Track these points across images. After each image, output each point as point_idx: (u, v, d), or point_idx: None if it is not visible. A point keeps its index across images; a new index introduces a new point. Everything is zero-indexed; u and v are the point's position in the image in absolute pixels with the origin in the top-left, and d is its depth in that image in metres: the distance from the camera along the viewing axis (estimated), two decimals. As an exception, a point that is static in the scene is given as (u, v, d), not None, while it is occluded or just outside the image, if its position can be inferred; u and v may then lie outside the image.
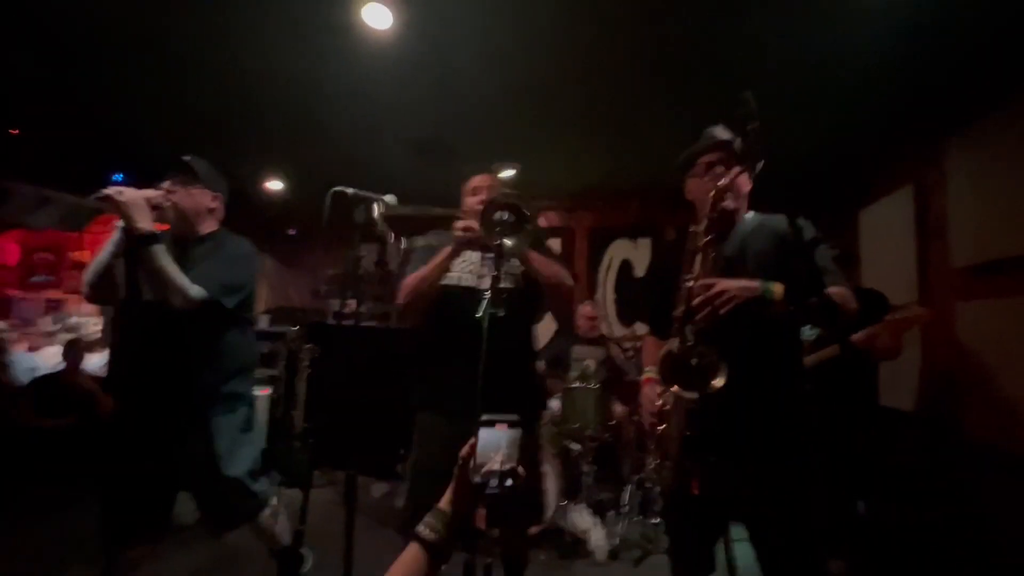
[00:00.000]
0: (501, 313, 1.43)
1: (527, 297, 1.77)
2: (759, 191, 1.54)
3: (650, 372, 1.56)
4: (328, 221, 1.50)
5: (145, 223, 1.58)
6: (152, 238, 1.58)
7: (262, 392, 4.24)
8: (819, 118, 3.14)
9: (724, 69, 2.59)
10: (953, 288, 2.91)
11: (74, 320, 5.04)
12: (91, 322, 5.12)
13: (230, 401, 1.85)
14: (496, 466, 0.80)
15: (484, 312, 1.43)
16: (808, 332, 2.63)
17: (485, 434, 0.84)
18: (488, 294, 1.37)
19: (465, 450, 0.83)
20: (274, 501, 2.00)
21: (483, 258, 1.82)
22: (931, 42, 2.32)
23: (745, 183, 1.50)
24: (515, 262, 1.72)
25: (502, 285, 1.35)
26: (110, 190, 1.57)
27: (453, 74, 2.75)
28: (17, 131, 3.65)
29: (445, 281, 1.73)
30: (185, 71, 2.77)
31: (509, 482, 0.80)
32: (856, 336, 2.37)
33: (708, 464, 1.18)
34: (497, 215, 1.35)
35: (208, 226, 1.88)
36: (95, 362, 4.54)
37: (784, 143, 3.37)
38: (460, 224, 1.63)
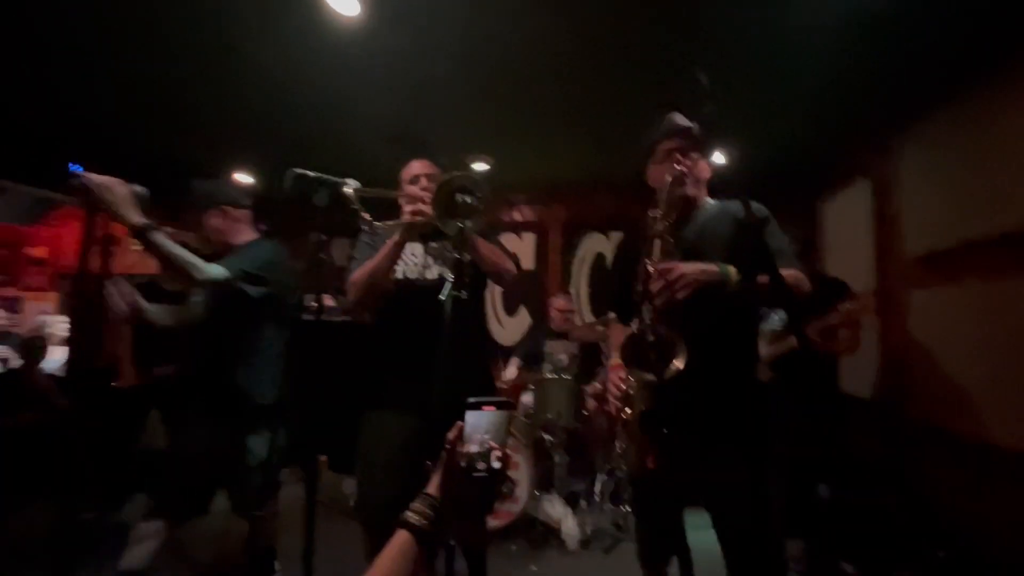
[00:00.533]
0: (464, 295, 1.44)
1: (475, 284, 1.78)
2: (722, 185, 1.57)
3: (616, 358, 1.58)
4: (288, 204, 1.48)
5: (134, 215, 1.56)
6: (149, 227, 1.58)
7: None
8: (782, 113, 3.23)
9: (692, 61, 2.63)
10: (907, 277, 3.03)
11: (42, 319, 4.87)
12: (57, 320, 4.96)
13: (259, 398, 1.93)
14: (481, 448, 0.80)
15: (447, 295, 1.44)
16: (775, 322, 2.71)
17: (472, 417, 0.83)
18: (450, 278, 1.38)
19: (452, 433, 0.82)
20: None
21: (426, 248, 1.83)
22: (884, 38, 2.41)
23: (704, 169, 1.53)
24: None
25: (449, 274, 1.35)
26: (92, 180, 1.51)
27: (423, 64, 2.73)
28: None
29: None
30: (145, 58, 2.68)
31: (496, 464, 0.80)
32: (813, 329, 2.44)
33: (662, 437, 1.20)
34: (456, 196, 1.34)
35: (243, 237, 2.03)
36: (55, 360, 4.38)
37: (748, 138, 3.47)
38: (409, 208, 1.62)
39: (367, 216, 1.67)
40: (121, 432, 3.12)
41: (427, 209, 1.58)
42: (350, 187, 1.66)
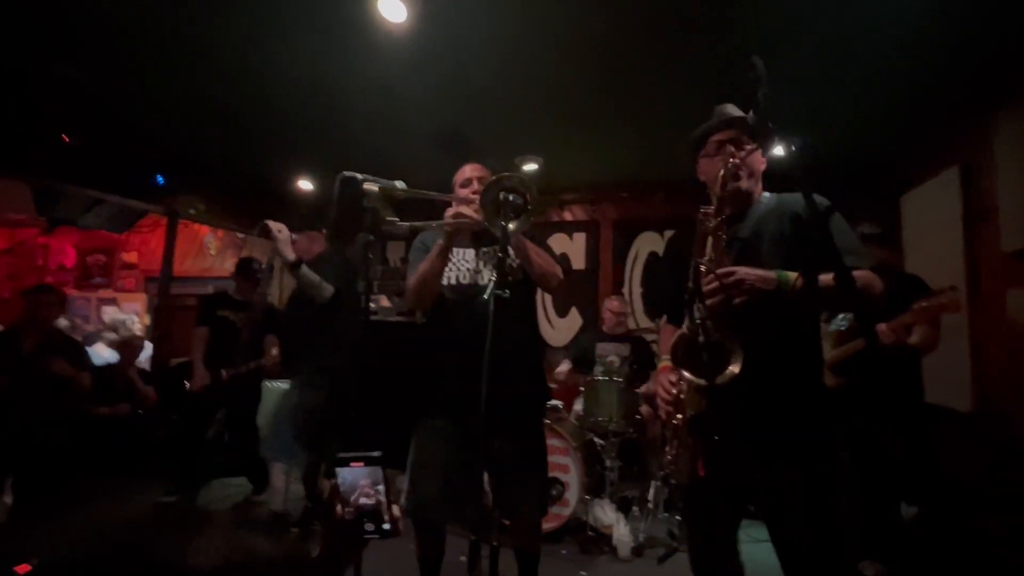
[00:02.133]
0: (507, 294, 1.42)
1: (526, 286, 1.75)
2: (783, 177, 1.47)
3: (666, 360, 1.52)
4: (338, 207, 1.52)
5: (291, 254, 2.36)
6: (298, 263, 2.39)
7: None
8: (854, 97, 2.97)
9: (754, 51, 2.49)
10: (1004, 274, 2.72)
11: (121, 317, 5.35)
12: (133, 319, 5.44)
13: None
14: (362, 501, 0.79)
15: (490, 293, 1.43)
16: (840, 322, 2.51)
17: (345, 473, 0.82)
18: (492, 277, 1.36)
19: (327, 493, 0.81)
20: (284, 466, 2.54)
21: (478, 253, 1.82)
22: (977, 2, 2.16)
23: (759, 161, 1.43)
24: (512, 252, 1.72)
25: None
26: (271, 227, 2.30)
27: (471, 66, 2.76)
28: (68, 138, 3.89)
29: (443, 281, 1.75)
30: (213, 74, 2.88)
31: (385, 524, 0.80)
32: (884, 328, 2.23)
33: (713, 444, 1.13)
34: (501, 196, 1.33)
35: (317, 249, 2.75)
36: (141, 356, 4.79)
37: (819, 125, 3.24)
38: (449, 211, 1.62)
39: (390, 216, 1.67)
40: (194, 425, 3.36)
41: (468, 211, 1.58)
42: (399, 187, 1.69)
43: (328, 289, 2.43)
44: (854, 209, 1.35)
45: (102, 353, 4.94)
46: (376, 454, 0.85)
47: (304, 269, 2.40)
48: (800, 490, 1.19)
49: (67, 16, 2.45)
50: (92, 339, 5.30)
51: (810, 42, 2.43)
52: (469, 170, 1.87)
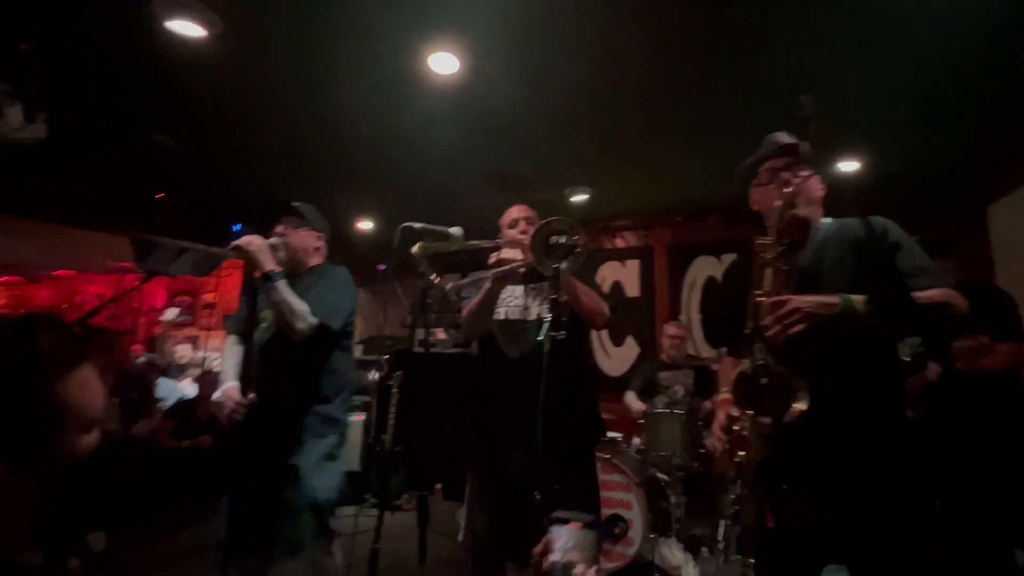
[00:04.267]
0: (562, 335, 1.44)
1: (575, 320, 1.73)
2: (848, 200, 1.41)
3: (725, 393, 1.47)
4: (398, 255, 1.61)
5: (269, 264, 1.83)
6: (276, 275, 1.81)
7: (357, 418, 4.54)
8: (929, 101, 2.78)
9: (805, 68, 2.44)
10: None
11: (200, 354, 5.80)
12: (211, 355, 5.86)
13: (323, 425, 1.95)
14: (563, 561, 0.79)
15: (545, 336, 1.45)
16: (902, 350, 2.30)
17: (558, 531, 0.83)
18: (547, 319, 1.39)
19: (539, 548, 0.81)
20: (336, 544, 2.00)
21: (527, 289, 1.85)
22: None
23: (817, 187, 1.38)
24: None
25: (549, 313, 1.36)
26: (241, 241, 1.82)
27: (520, 108, 2.86)
28: (163, 195, 4.34)
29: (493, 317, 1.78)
30: (283, 128, 3.16)
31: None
32: (960, 350, 2.02)
33: (781, 494, 1.06)
34: (552, 239, 1.37)
35: (314, 261, 2.11)
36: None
37: (891, 136, 3.06)
38: (493, 258, 1.66)
39: (432, 275, 1.72)
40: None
41: (515, 254, 1.62)
42: (454, 234, 1.77)
43: (308, 319, 1.83)
44: (933, 222, 1.26)
45: (185, 388, 5.36)
46: (590, 518, 0.85)
47: (282, 285, 1.80)
48: (887, 538, 1.10)
49: (155, 88, 2.78)
50: (175, 373, 5.75)
51: (881, 42, 2.31)
52: (516, 211, 1.92)
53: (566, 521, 0.81)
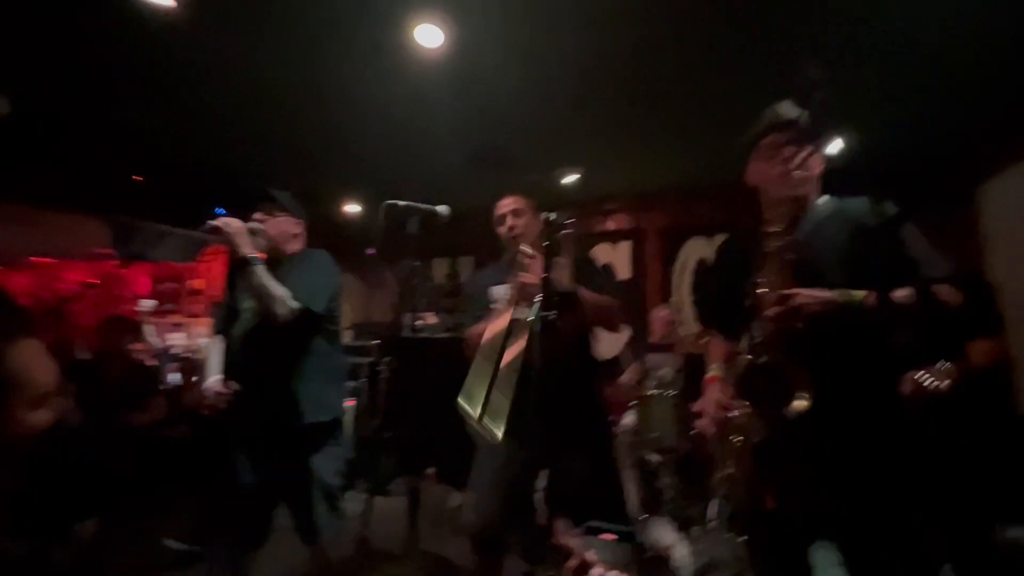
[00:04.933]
0: (553, 316, 1.40)
1: (573, 308, 1.68)
2: (842, 177, 1.37)
3: (715, 371, 1.44)
4: (383, 234, 1.55)
5: (247, 248, 1.78)
6: (254, 260, 1.77)
7: (347, 403, 4.50)
8: (916, 76, 2.73)
9: (801, 44, 2.37)
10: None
11: (187, 341, 5.71)
12: (197, 342, 5.78)
13: (323, 411, 1.94)
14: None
15: (535, 316, 1.41)
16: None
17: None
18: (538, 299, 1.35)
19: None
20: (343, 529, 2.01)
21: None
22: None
23: (816, 164, 1.34)
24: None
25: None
26: (218, 222, 1.77)
27: (507, 84, 2.78)
28: (140, 177, 4.21)
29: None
30: (262, 105, 3.05)
31: None
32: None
33: (783, 476, 1.04)
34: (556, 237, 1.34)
35: (293, 248, 2.06)
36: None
37: (882, 116, 3.02)
38: (517, 281, 1.63)
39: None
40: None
41: (532, 278, 1.57)
42: (440, 213, 1.71)
43: (288, 303, 1.78)
44: (919, 203, 1.22)
45: (171, 376, 5.27)
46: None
47: (260, 270, 1.75)
48: (878, 514, 1.09)
49: (129, 63, 2.66)
50: (165, 362, 5.65)
51: (873, 17, 2.25)
52: (503, 205, 1.88)
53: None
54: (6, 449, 0.52)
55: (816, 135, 1.25)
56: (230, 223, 1.78)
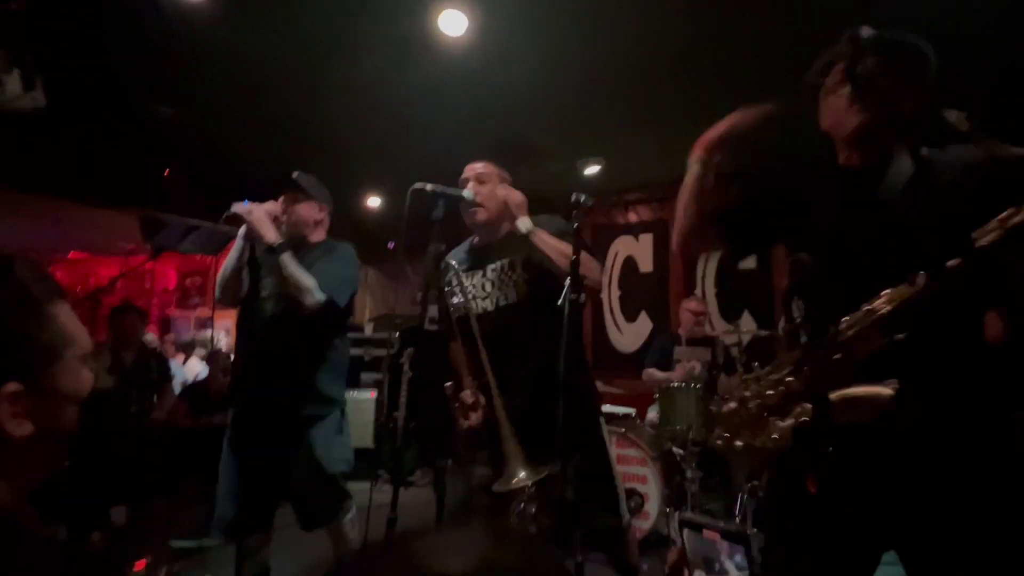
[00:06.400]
0: (583, 299, 1.38)
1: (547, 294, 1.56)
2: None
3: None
4: (409, 220, 1.54)
5: (272, 235, 1.75)
6: (281, 248, 1.74)
7: (370, 395, 4.54)
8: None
9: (832, 26, 2.29)
10: None
11: (208, 332, 5.83)
12: (219, 335, 5.89)
13: (328, 404, 1.94)
14: None
15: (564, 299, 1.39)
16: None
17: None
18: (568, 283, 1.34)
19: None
20: (353, 511, 2.01)
21: (488, 273, 1.76)
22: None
23: (905, 100, 1.05)
24: (522, 273, 1.68)
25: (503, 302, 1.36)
26: (239, 209, 1.77)
27: (530, 73, 2.75)
28: (168, 171, 4.30)
29: (461, 312, 1.71)
30: (286, 98, 3.07)
31: None
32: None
33: (827, 457, 0.94)
34: None
35: (317, 236, 2.04)
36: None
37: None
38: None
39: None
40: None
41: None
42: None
43: (316, 294, 1.74)
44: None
45: (195, 367, 5.39)
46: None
47: (287, 257, 1.72)
48: (952, 517, 0.94)
49: (156, 58, 2.70)
50: (188, 350, 5.80)
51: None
52: (468, 169, 1.79)
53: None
54: (52, 413, 0.53)
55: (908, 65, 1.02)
56: (252, 209, 1.77)
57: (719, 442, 1.18)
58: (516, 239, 1.67)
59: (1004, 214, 0.90)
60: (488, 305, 1.73)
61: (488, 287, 1.74)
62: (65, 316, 0.54)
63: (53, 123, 3.31)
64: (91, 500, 2.85)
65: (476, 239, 1.85)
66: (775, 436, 1.06)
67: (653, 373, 3.55)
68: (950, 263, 0.88)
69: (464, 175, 1.77)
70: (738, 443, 1.13)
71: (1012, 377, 1.00)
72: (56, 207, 4.51)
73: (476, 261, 1.79)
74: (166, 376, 3.61)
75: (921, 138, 1.06)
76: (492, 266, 1.75)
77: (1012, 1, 2.14)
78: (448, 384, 1.75)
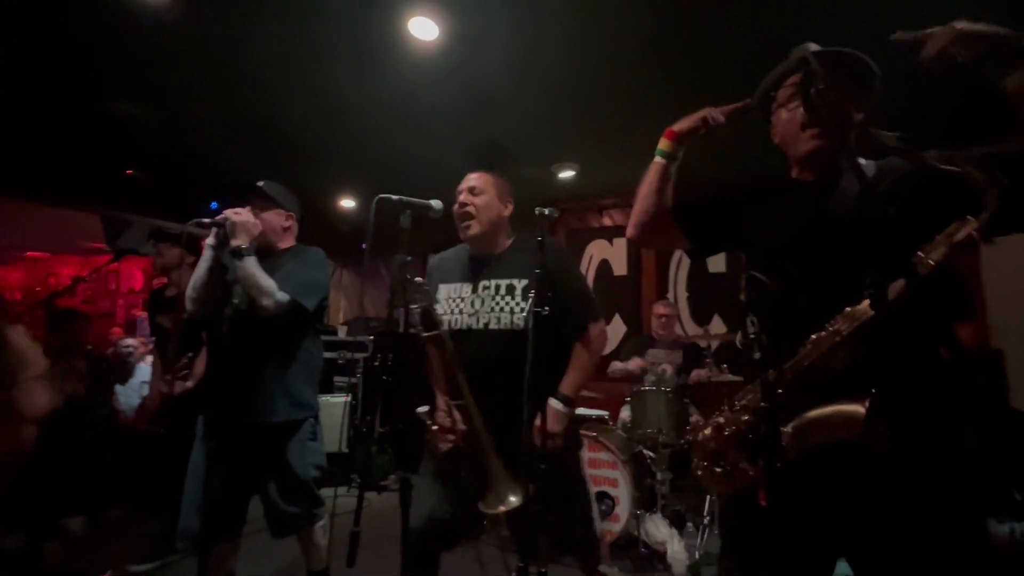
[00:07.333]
0: (546, 311, 1.39)
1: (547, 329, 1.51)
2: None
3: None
4: (375, 228, 1.53)
5: (243, 239, 1.77)
6: (246, 251, 1.76)
7: (343, 399, 4.48)
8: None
9: (807, 37, 2.35)
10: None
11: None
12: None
13: (301, 409, 1.93)
14: None
15: (528, 311, 1.40)
16: None
17: None
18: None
19: None
20: (325, 519, 2.02)
21: (479, 290, 1.70)
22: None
23: (853, 111, 1.08)
24: (520, 302, 1.62)
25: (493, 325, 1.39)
26: (228, 211, 1.78)
27: (503, 78, 2.75)
28: (131, 171, 4.17)
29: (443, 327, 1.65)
30: (256, 99, 3.01)
31: None
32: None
33: (776, 471, 0.97)
34: None
35: (285, 242, 2.05)
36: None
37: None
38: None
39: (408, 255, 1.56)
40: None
41: None
42: (434, 207, 1.68)
43: (276, 295, 1.77)
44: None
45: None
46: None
47: (250, 261, 1.75)
48: (896, 518, 0.97)
49: (120, 56, 2.62)
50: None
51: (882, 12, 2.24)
52: (465, 179, 1.78)
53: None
54: (10, 435, 0.52)
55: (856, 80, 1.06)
56: (240, 212, 1.79)
57: (699, 472, 1.21)
58: (518, 259, 1.66)
59: (949, 229, 0.95)
60: (473, 323, 1.65)
61: (477, 304, 1.67)
62: (18, 339, 0.52)
63: (10, 121, 3.19)
64: (48, 509, 2.75)
65: (470, 249, 1.80)
66: (751, 473, 1.10)
67: (615, 363, 3.60)
68: (893, 291, 0.89)
69: (460, 186, 1.76)
70: (717, 469, 1.17)
71: (965, 387, 1.05)
72: (15, 207, 4.34)
73: (467, 274, 1.74)
74: (120, 379, 3.51)
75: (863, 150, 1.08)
76: (485, 283, 1.69)
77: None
78: (423, 409, 1.74)
